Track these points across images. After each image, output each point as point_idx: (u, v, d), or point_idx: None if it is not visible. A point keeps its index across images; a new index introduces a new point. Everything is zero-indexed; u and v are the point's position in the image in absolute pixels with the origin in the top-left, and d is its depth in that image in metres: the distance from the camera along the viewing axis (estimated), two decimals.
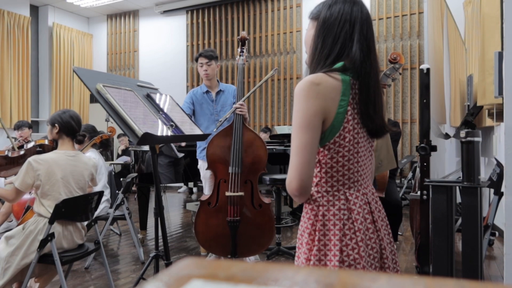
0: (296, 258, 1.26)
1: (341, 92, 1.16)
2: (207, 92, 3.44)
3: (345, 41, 1.19)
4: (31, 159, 2.29)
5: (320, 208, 1.19)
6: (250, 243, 2.89)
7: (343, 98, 1.16)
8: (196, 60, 3.45)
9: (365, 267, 1.15)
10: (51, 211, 2.27)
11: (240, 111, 2.89)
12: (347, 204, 1.18)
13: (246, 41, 3.16)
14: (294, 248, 3.74)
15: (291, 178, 1.12)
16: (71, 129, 2.45)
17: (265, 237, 2.90)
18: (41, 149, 2.45)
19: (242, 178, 2.87)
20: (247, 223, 2.87)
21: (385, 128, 1.25)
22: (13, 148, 4.28)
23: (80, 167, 2.45)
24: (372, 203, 1.24)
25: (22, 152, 3.15)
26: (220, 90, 3.43)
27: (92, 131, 3.77)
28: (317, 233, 1.18)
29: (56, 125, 2.43)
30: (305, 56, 1.32)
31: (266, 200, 2.91)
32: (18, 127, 5.33)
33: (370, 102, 1.19)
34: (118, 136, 7.67)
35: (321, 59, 1.21)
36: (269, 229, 2.90)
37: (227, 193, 2.82)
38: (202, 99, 3.43)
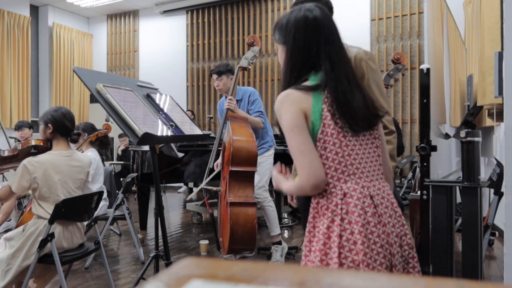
0: (303, 258, 1.26)
1: (312, 95, 1.22)
2: None
3: (312, 59, 1.27)
4: (26, 161, 2.24)
5: (320, 206, 1.21)
6: (223, 240, 2.91)
7: (315, 99, 1.22)
8: (211, 75, 3.58)
9: (368, 262, 1.12)
10: (51, 212, 2.26)
11: (228, 105, 3.19)
12: (345, 198, 1.18)
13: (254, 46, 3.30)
14: (294, 248, 3.73)
15: (304, 178, 1.19)
16: (65, 128, 2.40)
17: (224, 238, 2.85)
18: (36, 150, 2.42)
19: (222, 174, 3.07)
20: (219, 218, 2.93)
21: (377, 113, 1.27)
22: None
23: (76, 167, 2.42)
24: (376, 196, 1.20)
25: (15, 152, 3.13)
26: (237, 100, 3.51)
27: (91, 129, 3.75)
28: (314, 233, 1.19)
29: (50, 125, 2.37)
30: None
31: (248, 199, 2.86)
32: (18, 127, 5.33)
33: (345, 104, 1.22)
34: (120, 136, 7.66)
35: (292, 78, 1.29)
36: (226, 231, 2.79)
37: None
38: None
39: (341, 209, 1.17)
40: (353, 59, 1.86)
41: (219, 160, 3.31)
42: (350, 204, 1.17)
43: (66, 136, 2.43)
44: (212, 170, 3.17)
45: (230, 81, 3.44)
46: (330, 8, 1.83)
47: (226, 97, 3.49)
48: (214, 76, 3.49)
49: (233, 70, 3.49)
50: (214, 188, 2.97)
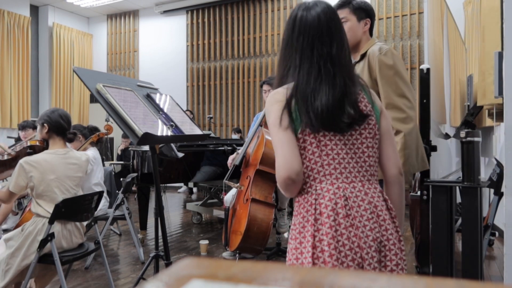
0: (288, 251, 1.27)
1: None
2: None
3: (289, 56, 1.28)
4: (22, 161, 2.27)
5: (298, 205, 1.22)
6: (233, 236, 2.94)
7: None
8: (261, 86, 3.57)
9: (334, 264, 1.12)
10: (49, 210, 2.27)
11: None
12: (318, 199, 1.18)
13: None
14: None
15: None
16: (60, 128, 2.44)
17: (235, 234, 2.89)
18: (32, 150, 2.46)
19: (243, 173, 3.10)
20: (234, 215, 2.98)
21: (357, 112, 1.20)
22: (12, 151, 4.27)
23: (73, 164, 2.44)
24: (352, 198, 1.17)
25: (13, 153, 3.15)
26: None
27: (95, 130, 3.80)
28: (293, 231, 1.20)
29: (45, 124, 2.41)
30: None
31: (267, 200, 2.90)
32: (22, 127, 5.30)
33: (305, 103, 1.20)
34: (123, 137, 7.66)
35: (278, 77, 1.31)
36: (240, 227, 2.82)
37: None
38: None
39: (315, 209, 1.17)
40: (367, 56, 1.91)
41: (233, 156, 3.37)
42: (322, 205, 1.17)
43: (62, 135, 2.46)
44: (235, 166, 3.23)
45: None
46: None
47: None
48: (267, 87, 3.47)
49: None
50: (236, 185, 3.04)
